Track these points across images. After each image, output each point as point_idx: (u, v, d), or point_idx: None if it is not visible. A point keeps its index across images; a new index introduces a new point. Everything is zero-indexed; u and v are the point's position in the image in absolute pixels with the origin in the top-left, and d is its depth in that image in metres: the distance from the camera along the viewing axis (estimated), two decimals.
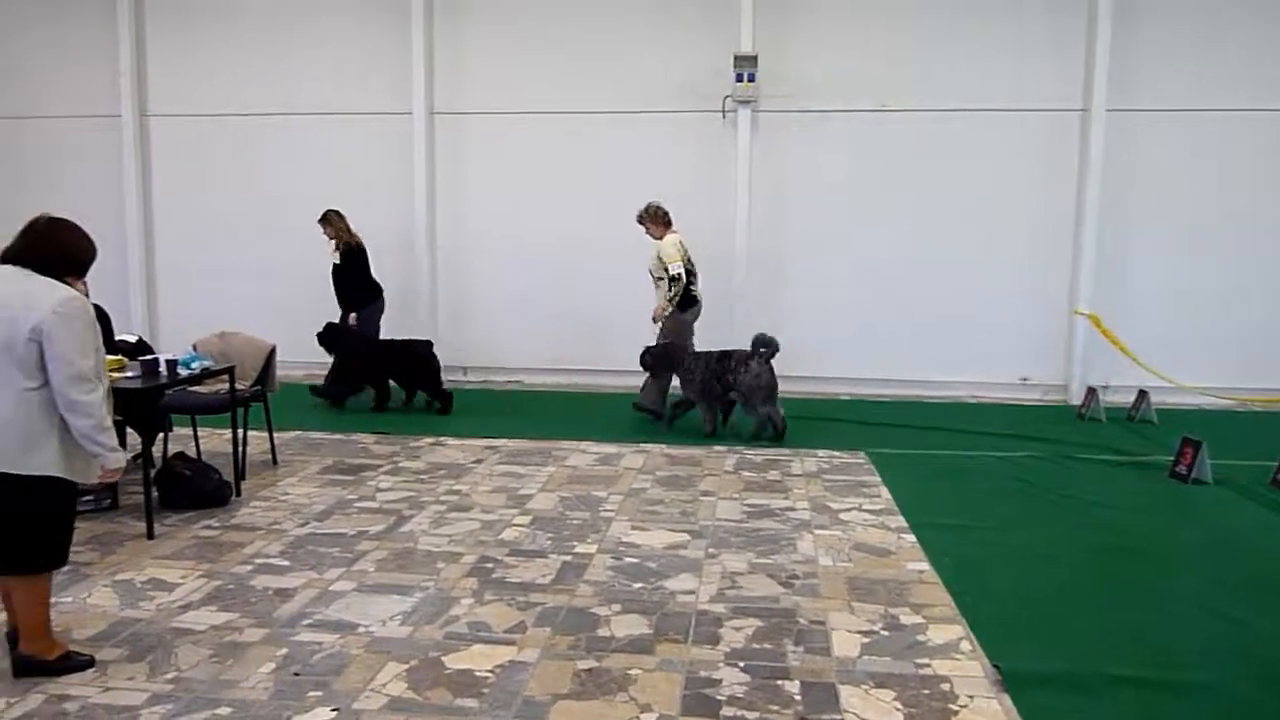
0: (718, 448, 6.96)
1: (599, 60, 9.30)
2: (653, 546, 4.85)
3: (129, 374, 5.08)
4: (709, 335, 7.88)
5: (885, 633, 3.84)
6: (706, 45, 9.07)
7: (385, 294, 8.51)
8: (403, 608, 4.01)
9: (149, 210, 9.99)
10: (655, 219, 7.61)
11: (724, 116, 9.10)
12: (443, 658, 3.58)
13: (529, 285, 9.56)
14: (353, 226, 8.27)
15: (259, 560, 4.58)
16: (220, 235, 9.83)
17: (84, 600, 4.09)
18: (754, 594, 4.24)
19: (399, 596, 4.13)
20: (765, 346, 7.10)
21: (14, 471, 3.17)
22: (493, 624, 3.88)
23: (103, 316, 5.22)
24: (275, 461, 6.33)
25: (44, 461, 3.21)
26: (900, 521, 5.29)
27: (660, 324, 7.59)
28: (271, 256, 9.66)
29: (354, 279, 8.28)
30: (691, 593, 4.24)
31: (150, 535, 4.86)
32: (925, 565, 4.60)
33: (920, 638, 3.80)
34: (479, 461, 6.48)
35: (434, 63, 9.39)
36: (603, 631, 3.82)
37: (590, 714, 3.18)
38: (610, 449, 6.89)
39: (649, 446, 6.98)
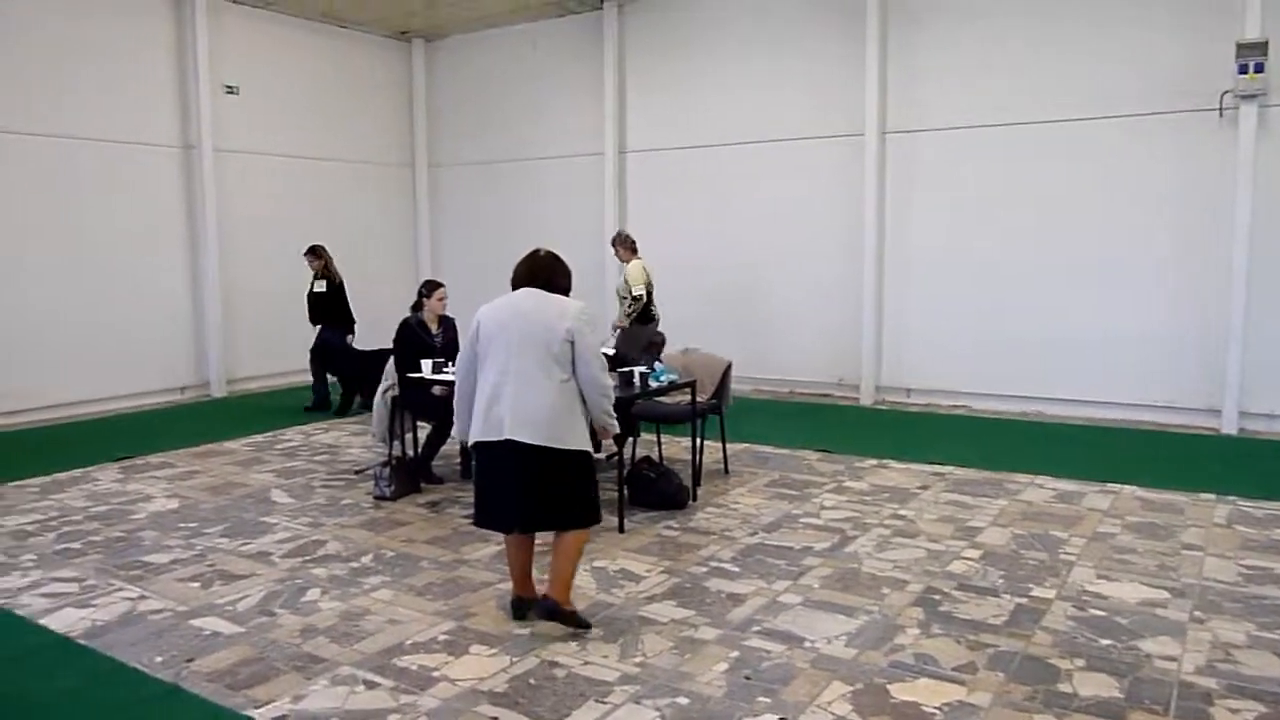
0: (1204, 496, 6.05)
1: (1048, 62, 8.58)
2: (1123, 600, 4.34)
3: None
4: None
5: None
6: (1192, 35, 7.97)
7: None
8: (847, 628, 4.02)
9: None
10: (625, 245, 8.80)
11: (1220, 115, 7.92)
12: (888, 685, 3.52)
13: (975, 305, 9.10)
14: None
15: (713, 564, 4.88)
16: (680, 255, 10.65)
17: None
18: (1256, 673, 3.61)
19: (843, 617, 4.15)
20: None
21: (561, 447, 3.85)
22: (940, 659, 3.74)
23: None
24: (726, 471, 6.70)
25: (577, 439, 3.92)
26: None
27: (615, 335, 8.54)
28: (720, 278, 10.29)
29: (344, 306, 9.55)
30: (1173, 659, 3.73)
31: (621, 529, 5.40)
32: None
33: None
34: (924, 488, 6.30)
35: (886, 80, 9.35)
36: (1064, 687, 3.50)
37: None
38: (1069, 486, 6.31)
39: (1116, 487, 6.27)
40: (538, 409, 3.83)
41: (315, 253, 9.61)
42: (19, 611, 4.33)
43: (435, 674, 3.66)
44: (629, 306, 8.59)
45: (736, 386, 7.16)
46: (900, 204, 9.41)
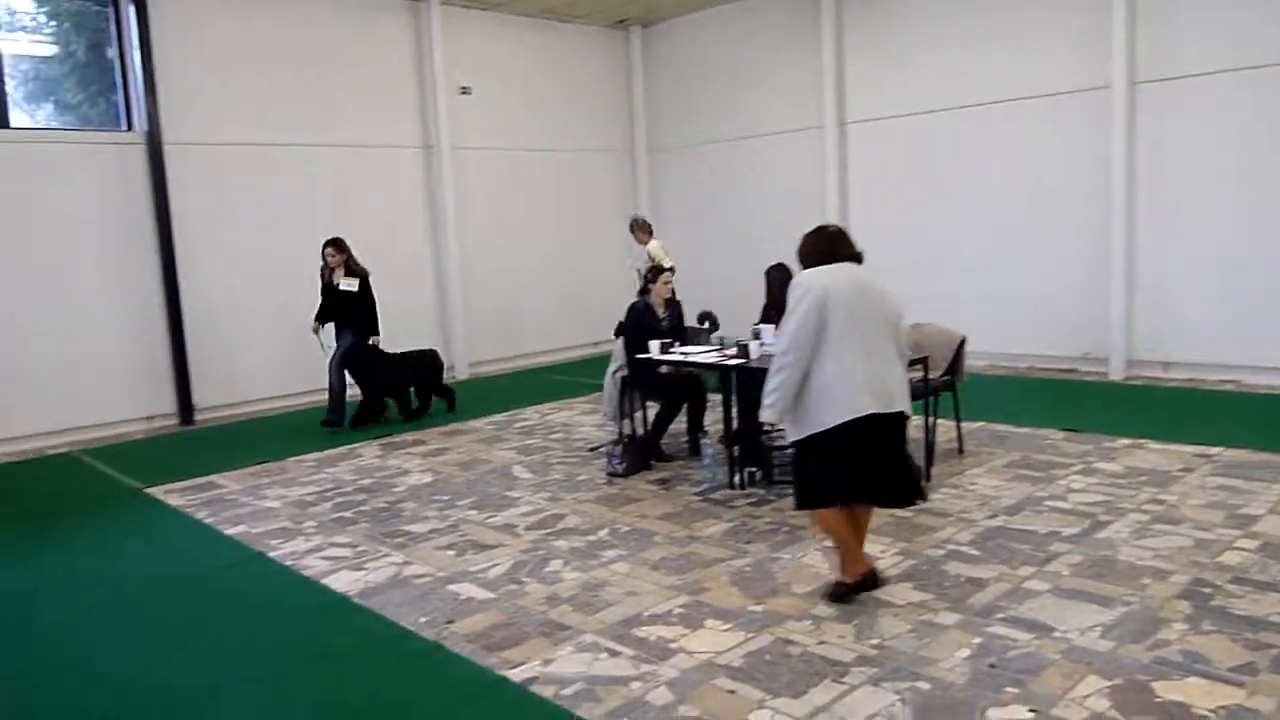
0: None
1: None
2: None
3: None
4: None
5: None
6: None
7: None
8: (1103, 619, 3.76)
9: (845, 208, 10.90)
10: (643, 228, 9.67)
11: None
12: (1151, 683, 3.27)
13: (1247, 269, 8.15)
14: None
15: (950, 546, 4.71)
16: (906, 228, 10.27)
17: (800, 559, 4.65)
18: None
19: (1098, 607, 3.89)
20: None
21: (908, 413, 4.02)
22: (1213, 658, 3.43)
23: None
24: (961, 451, 6.43)
25: (907, 406, 4.04)
26: None
27: None
28: (949, 248, 9.83)
29: (373, 306, 8.40)
30: None
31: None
32: None
33: None
34: (1187, 470, 5.77)
35: (1135, 23, 8.55)
36: None
37: None
38: None
39: None
40: (900, 382, 3.97)
41: (338, 246, 8.32)
42: (306, 572, 4.85)
43: (673, 645, 3.77)
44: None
45: (971, 362, 6.83)
46: (1155, 159, 8.59)
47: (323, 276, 8.41)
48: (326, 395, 8.43)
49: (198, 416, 9.07)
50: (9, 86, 8.33)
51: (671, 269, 8.22)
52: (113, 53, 8.83)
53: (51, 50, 8.81)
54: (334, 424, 8.30)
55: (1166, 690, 3.22)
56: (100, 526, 5.94)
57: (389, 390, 8.64)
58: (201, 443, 8.39)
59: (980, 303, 9.48)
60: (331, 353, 8.43)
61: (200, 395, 9.11)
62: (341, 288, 8.27)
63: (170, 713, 3.52)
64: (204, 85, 9.11)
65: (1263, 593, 3.96)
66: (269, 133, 9.54)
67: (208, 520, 5.84)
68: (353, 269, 8.33)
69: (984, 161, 9.68)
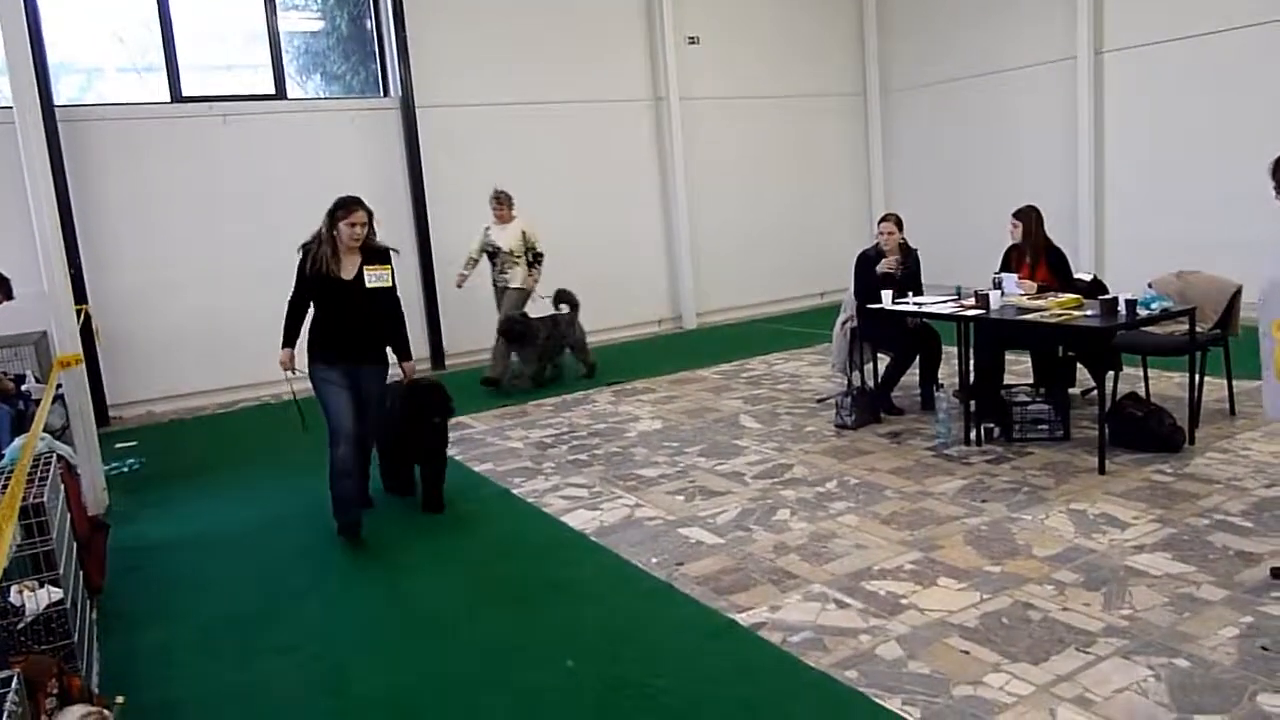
0: None
1: None
2: None
3: (1088, 313, 5.23)
4: None
5: None
6: None
7: None
8: None
9: (1100, 145, 10.02)
10: (507, 203, 8.31)
11: None
12: None
13: None
14: None
15: (1217, 516, 4.31)
16: (1170, 166, 9.31)
17: (1042, 521, 4.42)
18: None
19: None
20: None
21: None
22: None
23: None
24: (1233, 412, 5.84)
25: None
26: None
27: (517, 296, 8.29)
28: (1227, 187, 8.81)
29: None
30: None
31: (1102, 470, 4.98)
32: None
33: None
34: None
35: None
36: None
37: None
38: None
39: None
40: None
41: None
42: (546, 509, 5.17)
43: (904, 601, 3.71)
44: (538, 267, 8.41)
45: (1247, 314, 6.13)
46: None
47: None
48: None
49: (447, 361, 9.79)
50: (285, 60, 9.21)
51: (541, 255, 8.30)
52: (370, 24, 9.55)
53: (318, 24, 9.63)
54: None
55: None
56: None
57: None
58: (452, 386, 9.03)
59: (1260, 247, 8.45)
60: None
61: (450, 341, 9.81)
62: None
63: (431, 627, 3.89)
64: (449, 50, 9.66)
65: None
66: (506, 91, 9.97)
67: (459, 457, 6.32)
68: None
69: (1268, 86, 8.56)
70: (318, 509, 5.14)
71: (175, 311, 8.62)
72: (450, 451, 6.45)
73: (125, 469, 6.61)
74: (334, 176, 8.96)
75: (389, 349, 4.96)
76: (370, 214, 4.72)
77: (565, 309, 8.47)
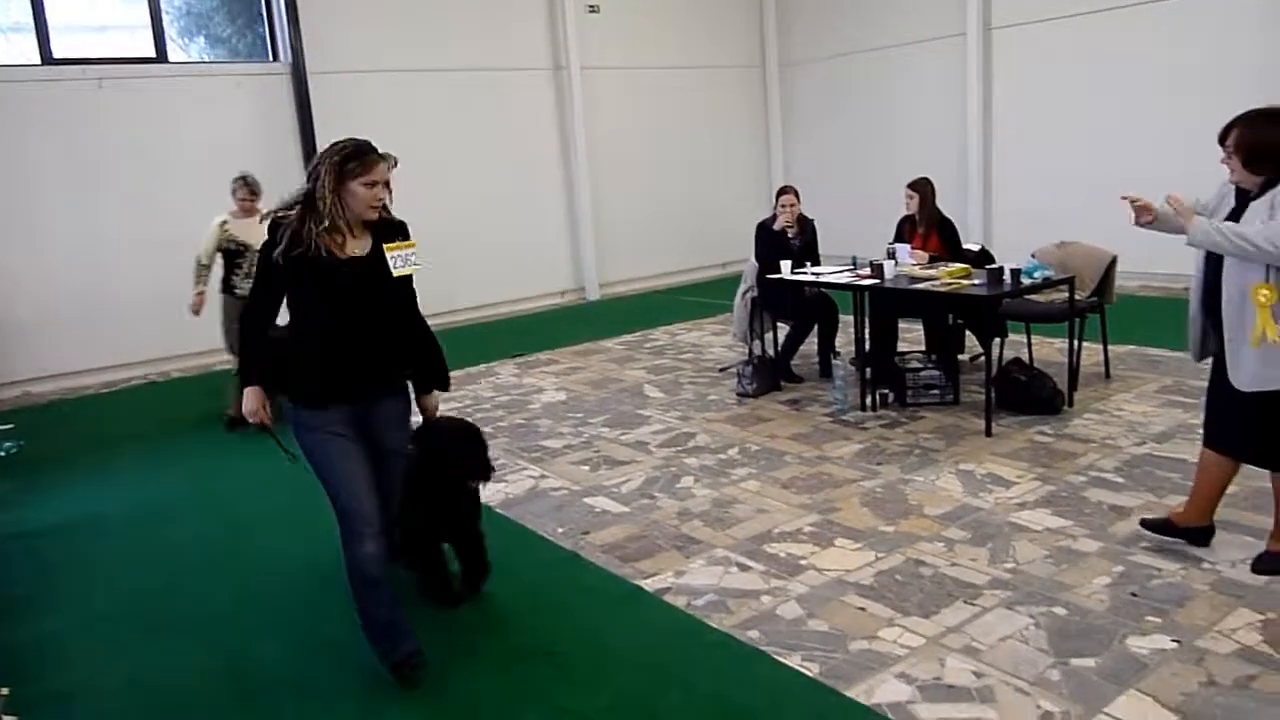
0: None
1: None
2: None
3: (976, 282, 5.44)
4: None
5: None
6: None
7: None
8: (1258, 553, 3.60)
9: (989, 120, 10.36)
10: (254, 193, 6.30)
11: None
12: None
13: None
14: None
15: (1093, 473, 4.57)
16: (1054, 140, 9.72)
17: (933, 482, 4.61)
18: None
19: (1253, 539, 3.69)
20: None
21: None
22: None
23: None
24: (1108, 375, 6.17)
25: None
26: None
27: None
28: (1104, 164, 9.25)
29: None
30: None
31: (988, 433, 5.21)
32: None
33: None
34: None
35: None
36: None
37: None
38: None
39: None
40: None
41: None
42: None
43: (803, 562, 3.83)
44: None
45: (1122, 283, 6.49)
46: None
47: None
48: None
49: None
50: (165, 21, 8.77)
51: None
52: None
53: None
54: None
55: None
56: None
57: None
58: None
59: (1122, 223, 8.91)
60: None
61: None
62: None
63: (334, 604, 3.82)
64: (342, 14, 9.35)
65: None
66: (404, 58, 9.73)
67: None
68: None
69: (1145, 65, 8.99)
70: (211, 488, 4.99)
71: (51, 287, 8.19)
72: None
73: (2, 453, 6.28)
74: (220, 145, 8.63)
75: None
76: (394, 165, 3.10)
77: None
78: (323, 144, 3.21)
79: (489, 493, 4.86)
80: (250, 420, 3.16)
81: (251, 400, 3.13)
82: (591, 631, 3.45)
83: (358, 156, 2.98)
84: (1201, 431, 3.67)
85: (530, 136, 10.78)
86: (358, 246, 3.04)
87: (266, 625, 3.70)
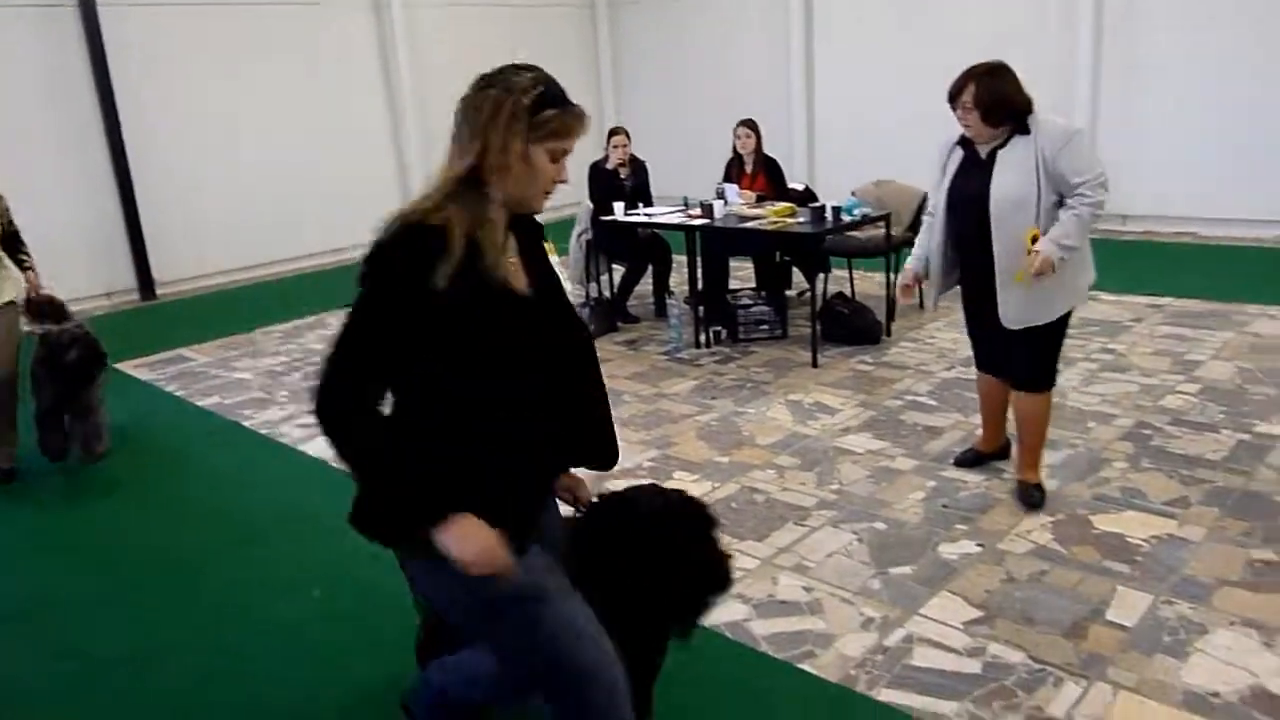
0: None
1: None
2: None
3: (800, 219, 5.65)
4: None
5: None
6: None
7: None
8: (1050, 461, 3.96)
9: (811, 65, 10.66)
10: None
11: None
12: (1090, 517, 3.51)
13: (1207, 119, 8.19)
14: None
15: (909, 397, 4.89)
16: (871, 84, 10.11)
17: (764, 413, 4.81)
18: None
19: (1046, 450, 4.07)
20: None
21: None
22: (1149, 493, 3.66)
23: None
24: (921, 306, 6.56)
25: None
26: None
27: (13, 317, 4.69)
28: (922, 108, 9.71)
29: None
30: None
31: (815, 364, 5.48)
32: None
33: None
34: (1138, 320, 5.96)
35: None
36: None
37: (1267, 608, 2.87)
38: None
39: None
40: None
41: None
42: (281, 440, 4.95)
43: None
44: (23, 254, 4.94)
45: None
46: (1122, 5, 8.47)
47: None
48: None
49: (159, 291, 8.97)
50: None
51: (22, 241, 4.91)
52: None
53: None
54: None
55: (1104, 523, 3.46)
56: None
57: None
58: (166, 317, 8.33)
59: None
60: None
61: (160, 270, 8.97)
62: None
63: (171, 574, 3.65)
64: None
65: (1200, 433, 4.19)
66: None
67: (179, 393, 5.87)
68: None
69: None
70: (39, 458, 4.63)
71: None
72: (170, 388, 6.02)
73: None
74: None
75: None
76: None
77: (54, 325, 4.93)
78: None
79: (322, 448, 4.74)
80: (494, 571, 1.69)
81: (486, 538, 1.69)
82: None
83: (558, 103, 1.86)
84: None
85: (351, 77, 10.28)
86: (518, 271, 1.83)
87: (100, 600, 3.49)
